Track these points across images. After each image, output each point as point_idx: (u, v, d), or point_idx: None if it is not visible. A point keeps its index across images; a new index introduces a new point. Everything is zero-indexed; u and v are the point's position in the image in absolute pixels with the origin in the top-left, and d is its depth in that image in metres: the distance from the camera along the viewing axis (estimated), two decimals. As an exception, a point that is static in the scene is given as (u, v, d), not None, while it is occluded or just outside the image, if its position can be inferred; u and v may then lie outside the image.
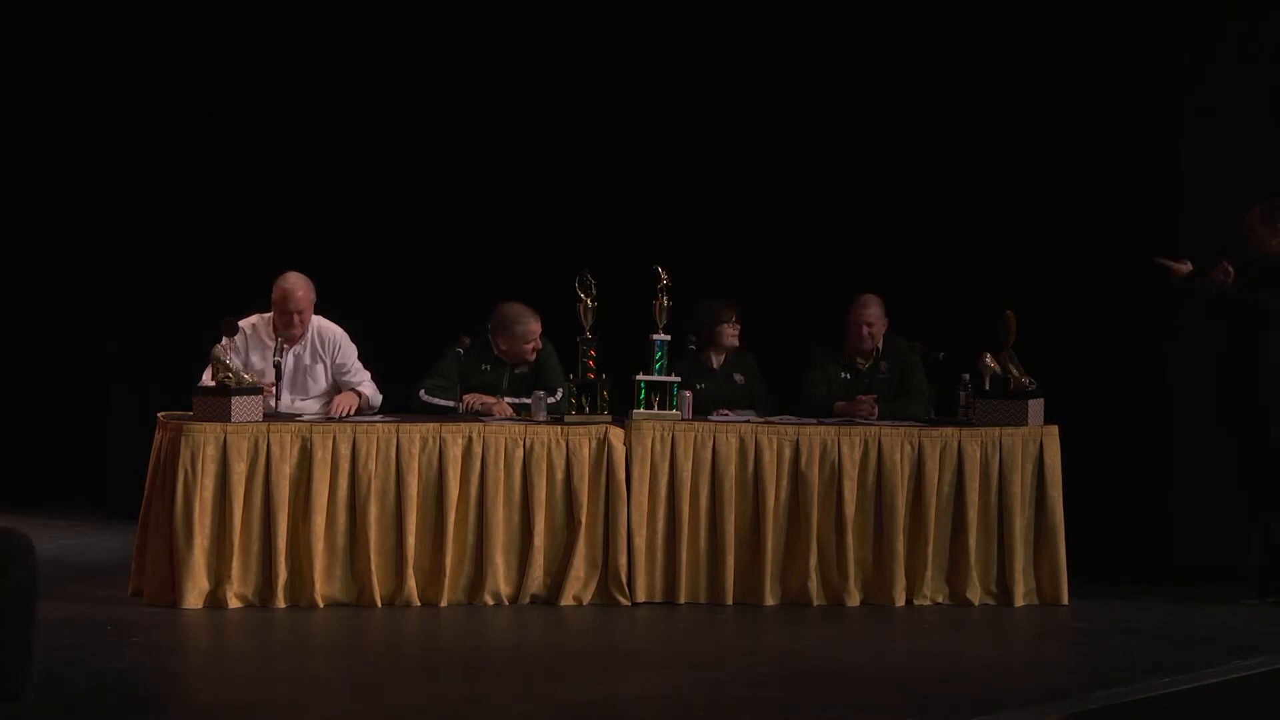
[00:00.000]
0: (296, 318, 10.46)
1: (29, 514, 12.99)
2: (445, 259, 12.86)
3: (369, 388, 10.63)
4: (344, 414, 10.37)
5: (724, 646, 9.64)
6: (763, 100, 12.70)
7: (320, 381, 10.63)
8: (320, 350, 10.62)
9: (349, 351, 10.67)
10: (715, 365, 11.14)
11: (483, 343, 10.88)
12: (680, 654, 9.45)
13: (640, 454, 10.43)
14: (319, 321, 10.63)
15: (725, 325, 11.15)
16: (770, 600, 10.48)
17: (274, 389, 10.42)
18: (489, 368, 10.86)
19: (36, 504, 13.33)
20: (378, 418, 10.40)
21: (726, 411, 10.77)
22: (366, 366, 10.72)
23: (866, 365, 11.09)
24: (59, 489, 13.68)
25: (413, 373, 10.86)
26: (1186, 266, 10.79)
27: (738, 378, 11.08)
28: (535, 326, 10.82)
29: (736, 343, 11.18)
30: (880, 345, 11.10)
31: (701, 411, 10.73)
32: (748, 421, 10.60)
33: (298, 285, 10.51)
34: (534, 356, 10.87)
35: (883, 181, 12.43)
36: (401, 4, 13.10)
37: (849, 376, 11.08)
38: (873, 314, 11.06)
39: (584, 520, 10.33)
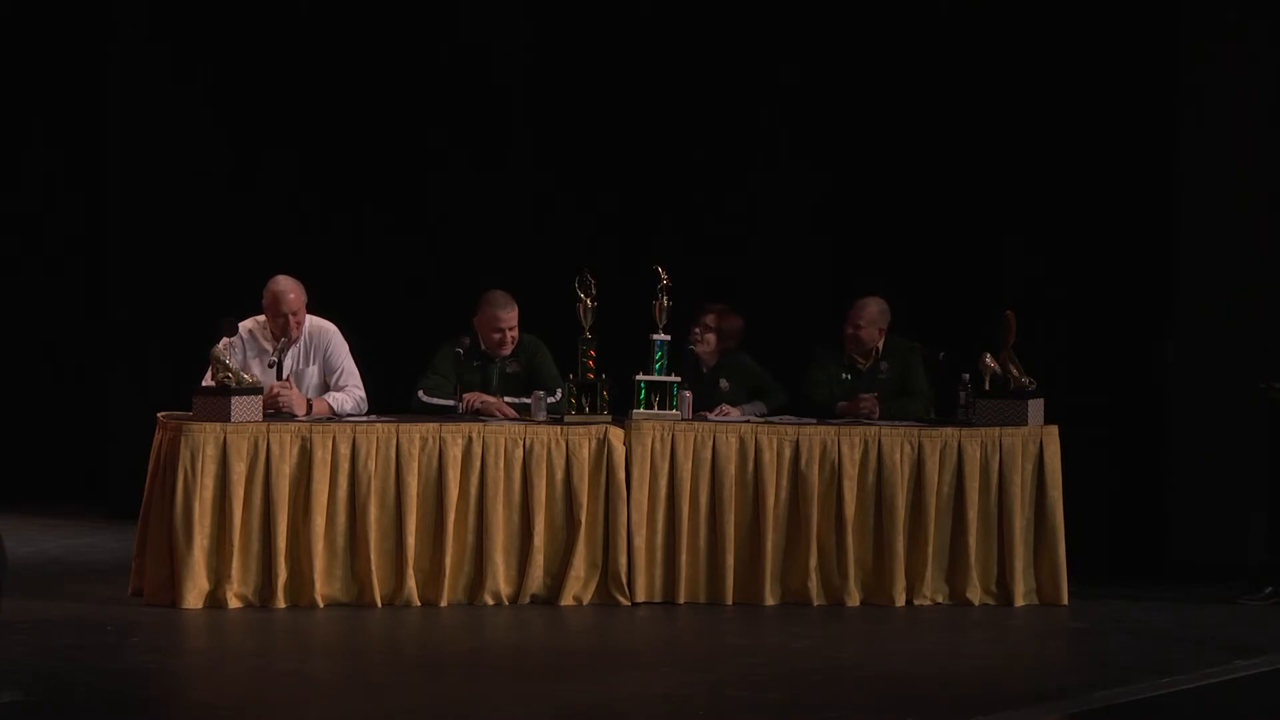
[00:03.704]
0: (291, 319, 10.44)
1: (29, 514, 13.03)
2: (445, 258, 12.87)
3: (342, 396, 10.49)
4: (281, 408, 10.29)
5: (724, 646, 9.64)
6: (764, 99, 12.70)
7: (317, 382, 10.60)
8: (314, 351, 10.60)
9: (337, 349, 10.60)
10: (704, 370, 11.11)
11: (474, 339, 10.87)
12: (680, 654, 9.45)
13: (640, 454, 10.43)
14: (311, 321, 10.61)
15: (694, 329, 11.09)
16: (770, 600, 10.48)
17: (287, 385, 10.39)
18: (479, 364, 10.85)
19: (36, 504, 13.34)
20: (374, 418, 10.38)
21: (729, 409, 10.75)
22: (365, 368, 10.68)
23: (867, 365, 11.08)
24: (59, 489, 13.69)
25: (411, 373, 10.85)
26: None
27: (723, 383, 11.03)
28: (503, 314, 10.72)
29: (707, 347, 11.09)
30: (881, 346, 11.09)
31: (697, 412, 10.70)
32: (748, 421, 10.60)
33: (288, 288, 10.48)
34: (508, 349, 10.79)
35: (883, 181, 12.44)
36: (402, 3, 13.10)
37: (849, 377, 11.07)
38: (864, 317, 11.02)
39: (584, 520, 10.33)
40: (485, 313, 10.77)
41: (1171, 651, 9.57)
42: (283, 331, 10.45)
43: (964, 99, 12.20)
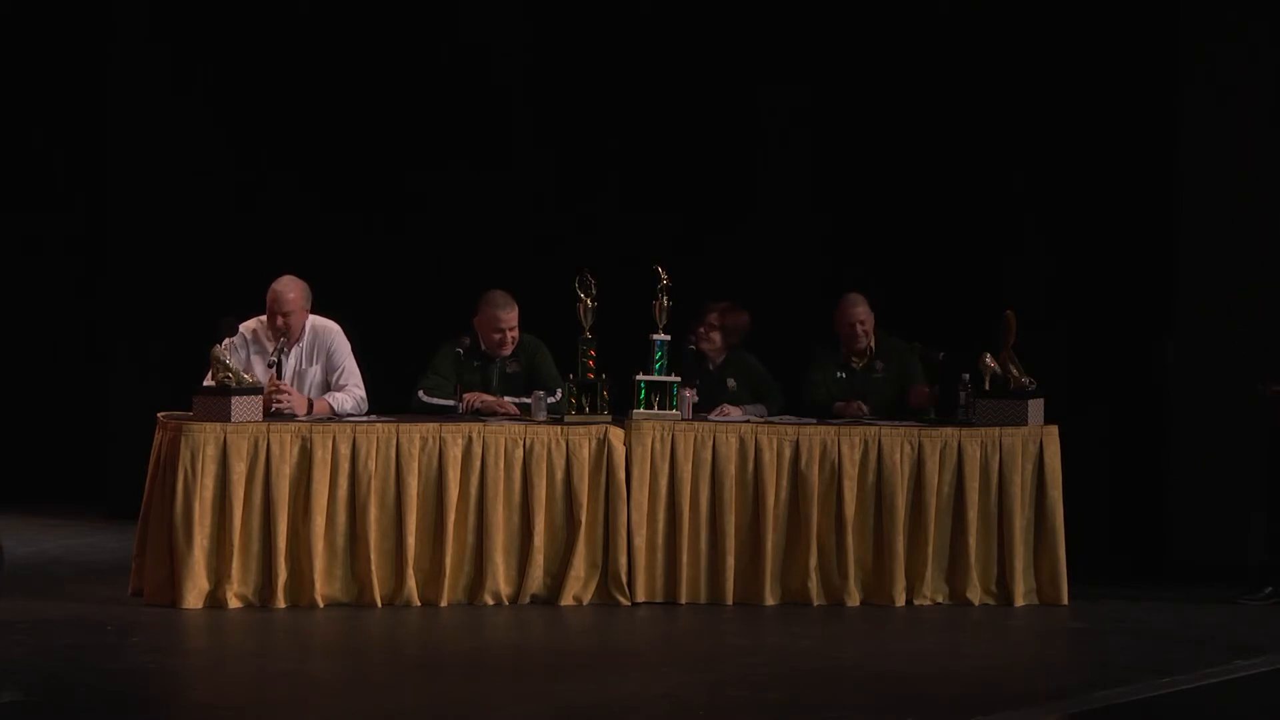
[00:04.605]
0: (281, 320, 10.42)
1: (29, 514, 13.03)
2: (445, 258, 12.86)
3: (342, 396, 10.50)
4: (283, 409, 10.28)
5: (724, 646, 9.64)
6: (765, 99, 12.70)
7: (319, 380, 10.59)
8: (316, 351, 10.60)
9: (339, 349, 10.59)
10: (711, 367, 11.11)
11: (475, 340, 10.86)
12: (680, 654, 9.45)
13: (640, 454, 10.43)
14: (316, 321, 10.60)
15: (697, 326, 11.10)
16: (770, 600, 10.48)
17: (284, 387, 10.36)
18: (479, 364, 10.84)
19: (36, 504, 13.34)
20: (374, 418, 10.38)
21: (730, 409, 10.75)
22: (365, 368, 10.68)
23: (861, 364, 11.08)
24: (59, 489, 13.69)
25: (411, 373, 10.85)
26: None
27: (730, 382, 11.04)
28: (504, 315, 10.72)
29: (713, 345, 11.09)
30: (874, 344, 11.08)
31: (700, 410, 10.70)
32: (748, 421, 10.60)
33: (288, 288, 10.48)
34: (509, 349, 10.78)
35: (883, 182, 12.44)
36: (402, 3, 13.10)
37: (845, 376, 11.07)
38: (862, 311, 11.04)
39: (584, 520, 10.33)
40: (485, 313, 10.77)
41: (1171, 651, 9.57)
42: (275, 330, 10.44)
43: (964, 99, 12.20)
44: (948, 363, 11.06)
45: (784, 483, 10.50)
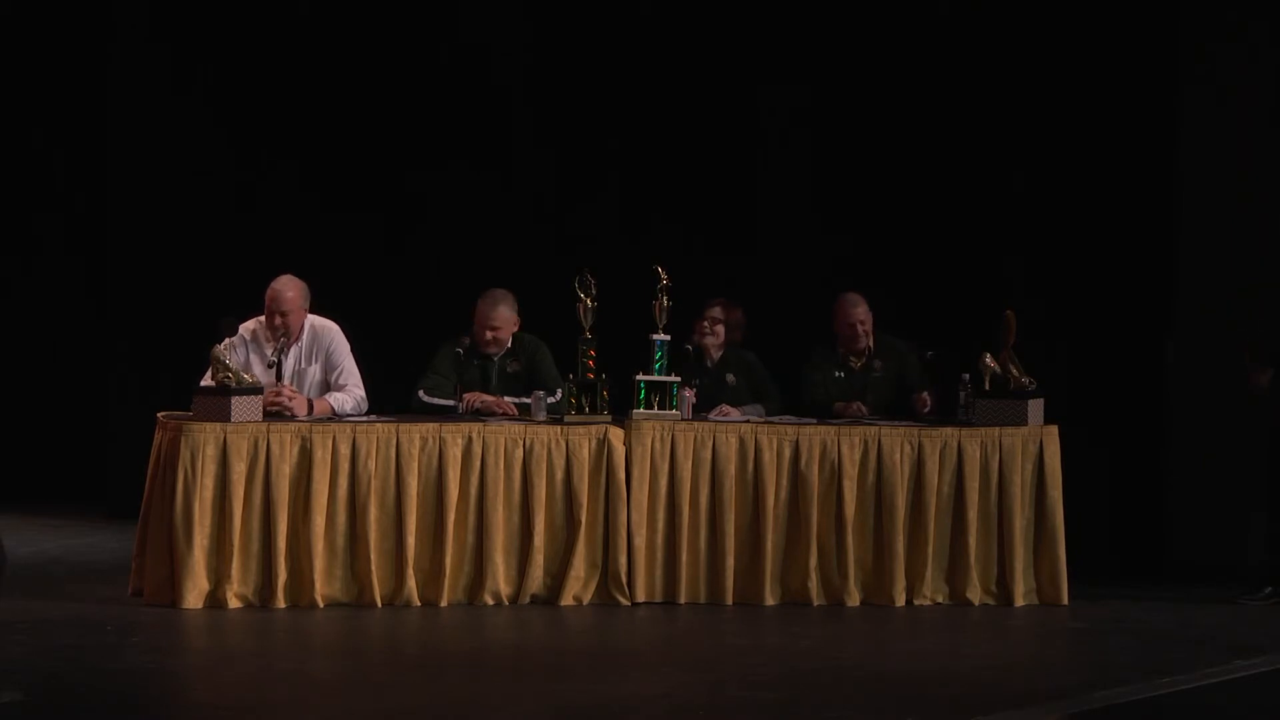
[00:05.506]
0: (280, 319, 10.42)
1: (29, 514, 13.03)
2: (445, 258, 12.87)
3: (342, 396, 10.49)
4: (285, 409, 10.28)
5: (724, 646, 9.64)
6: (765, 99, 12.70)
7: (319, 380, 10.59)
8: (315, 351, 10.59)
9: (339, 348, 10.58)
10: (710, 364, 11.12)
11: (474, 340, 10.85)
12: (680, 654, 9.45)
13: (640, 454, 10.42)
14: (315, 321, 10.60)
15: (698, 321, 11.10)
16: (770, 600, 10.48)
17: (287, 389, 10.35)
18: (479, 364, 10.84)
19: (36, 504, 13.35)
20: (373, 418, 10.38)
21: (729, 409, 10.75)
22: (365, 368, 10.67)
23: (860, 364, 11.07)
24: (59, 489, 13.69)
25: (411, 373, 10.85)
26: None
27: (729, 378, 11.04)
28: (490, 312, 10.71)
29: (718, 339, 11.10)
30: (872, 344, 11.08)
31: (700, 410, 10.70)
32: (748, 421, 10.59)
33: (287, 287, 10.48)
34: (492, 348, 10.75)
35: (884, 182, 12.44)
36: (402, 3, 13.11)
37: (843, 376, 11.06)
38: (862, 311, 11.03)
39: (584, 520, 10.33)
40: (477, 310, 10.78)
41: (1171, 651, 9.57)
42: (273, 329, 10.43)
43: (964, 99, 12.20)
44: (938, 361, 11.06)
45: (784, 483, 10.50)
